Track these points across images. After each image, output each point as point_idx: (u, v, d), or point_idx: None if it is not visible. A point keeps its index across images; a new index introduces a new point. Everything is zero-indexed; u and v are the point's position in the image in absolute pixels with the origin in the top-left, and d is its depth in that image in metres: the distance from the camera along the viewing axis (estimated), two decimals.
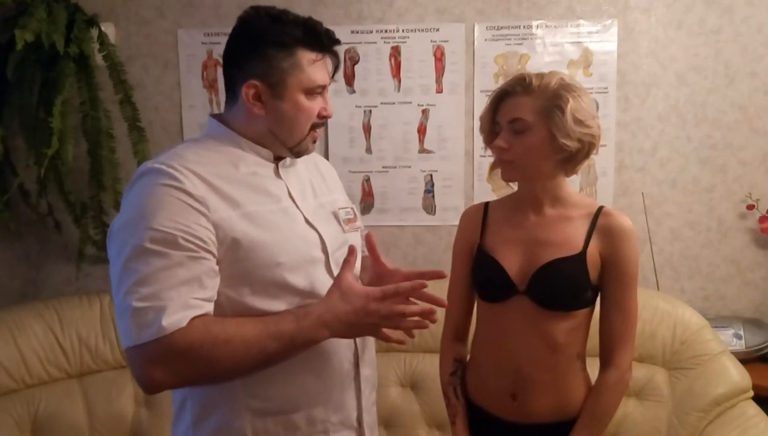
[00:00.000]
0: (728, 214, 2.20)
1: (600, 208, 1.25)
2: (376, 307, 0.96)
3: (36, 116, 2.00)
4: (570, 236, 1.23)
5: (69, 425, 1.94)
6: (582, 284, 1.21)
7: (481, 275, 1.30)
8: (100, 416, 1.97)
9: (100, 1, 2.16)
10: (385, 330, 1.01)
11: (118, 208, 2.16)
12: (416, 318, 0.99)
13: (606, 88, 2.17)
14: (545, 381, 1.24)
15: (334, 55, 1.09)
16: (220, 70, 2.22)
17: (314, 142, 1.11)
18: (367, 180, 2.26)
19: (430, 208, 2.27)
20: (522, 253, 1.25)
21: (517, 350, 1.24)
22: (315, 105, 1.06)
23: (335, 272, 1.06)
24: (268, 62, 1.02)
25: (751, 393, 1.80)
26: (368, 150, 2.25)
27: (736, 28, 2.13)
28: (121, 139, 2.11)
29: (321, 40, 1.04)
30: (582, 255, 1.21)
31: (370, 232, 1.15)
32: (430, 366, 2.01)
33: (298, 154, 1.11)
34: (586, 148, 1.19)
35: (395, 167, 2.26)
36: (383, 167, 2.26)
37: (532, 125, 1.18)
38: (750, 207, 2.16)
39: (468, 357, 1.40)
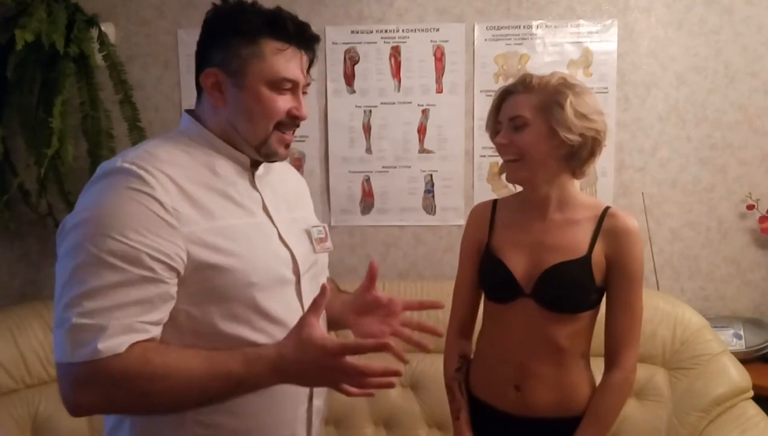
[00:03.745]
0: (728, 215, 2.20)
1: (606, 209, 1.25)
2: (331, 363, 0.85)
3: (36, 116, 2.00)
4: (575, 239, 1.23)
5: (69, 425, 1.93)
6: (587, 287, 1.22)
7: (488, 277, 1.31)
8: (100, 416, 1.96)
9: (100, 1, 2.16)
10: (345, 386, 0.88)
11: None
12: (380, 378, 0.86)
13: (606, 88, 2.17)
14: (549, 375, 1.25)
15: (307, 49, 1.00)
16: None
17: (286, 146, 1.02)
18: (367, 180, 2.26)
19: (430, 208, 2.27)
20: (528, 256, 1.25)
21: (522, 349, 1.25)
22: (282, 100, 0.97)
23: (304, 297, 1.02)
24: (227, 50, 0.95)
25: (751, 393, 1.80)
26: (368, 150, 2.25)
27: (736, 28, 2.13)
28: (121, 139, 2.11)
29: (287, 28, 0.96)
30: (587, 258, 1.21)
31: (373, 262, 1.07)
32: (430, 366, 2.01)
33: (266, 157, 1.01)
34: (590, 143, 1.19)
35: (395, 167, 2.26)
36: (383, 167, 2.26)
37: (530, 121, 1.19)
38: (750, 207, 2.16)
39: (473, 353, 1.40)
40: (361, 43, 2.21)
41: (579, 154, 1.20)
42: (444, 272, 2.27)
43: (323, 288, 0.90)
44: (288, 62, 0.97)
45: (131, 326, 0.83)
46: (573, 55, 2.17)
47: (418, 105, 2.23)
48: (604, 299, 1.27)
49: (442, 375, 1.99)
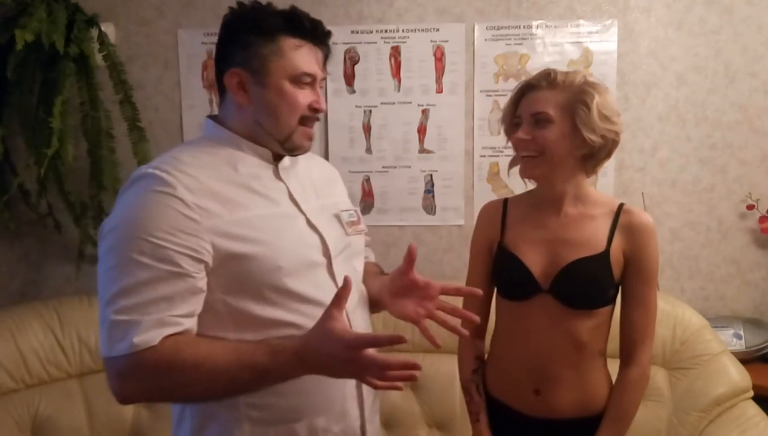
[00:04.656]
0: (728, 215, 2.20)
1: (621, 206, 1.26)
2: (351, 355, 0.88)
3: (36, 116, 2.00)
4: (592, 234, 1.23)
5: (69, 425, 1.94)
6: (606, 283, 1.22)
7: (504, 274, 1.30)
8: (100, 416, 1.97)
9: (100, 1, 2.16)
10: (371, 379, 0.90)
11: None
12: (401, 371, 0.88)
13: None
14: (569, 377, 1.25)
15: (322, 44, 1.07)
16: None
17: (309, 139, 1.07)
18: (367, 180, 2.26)
19: (430, 208, 2.27)
20: (545, 252, 1.25)
21: (541, 347, 1.25)
22: (302, 95, 1.03)
23: (338, 277, 1.05)
24: (249, 50, 1.01)
25: (751, 393, 1.80)
26: (368, 150, 2.25)
27: (736, 28, 2.13)
28: (121, 139, 2.11)
29: (303, 25, 1.03)
30: (606, 254, 1.22)
31: (412, 245, 1.09)
32: (430, 366, 2.01)
33: (290, 151, 1.07)
34: (609, 145, 1.20)
35: (395, 167, 2.26)
36: (383, 167, 2.26)
37: (554, 119, 1.18)
38: (750, 207, 2.16)
39: (487, 353, 1.40)
40: (361, 43, 2.21)
41: (597, 155, 1.21)
42: (444, 272, 2.27)
43: (345, 280, 0.92)
44: (306, 57, 1.03)
45: (163, 320, 0.89)
46: (573, 55, 2.17)
47: (418, 105, 2.22)
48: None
49: (442, 375, 2.00)
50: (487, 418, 1.34)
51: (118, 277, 0.90)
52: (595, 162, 1.22)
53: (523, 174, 1.26)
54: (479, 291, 1.10)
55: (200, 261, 0.92)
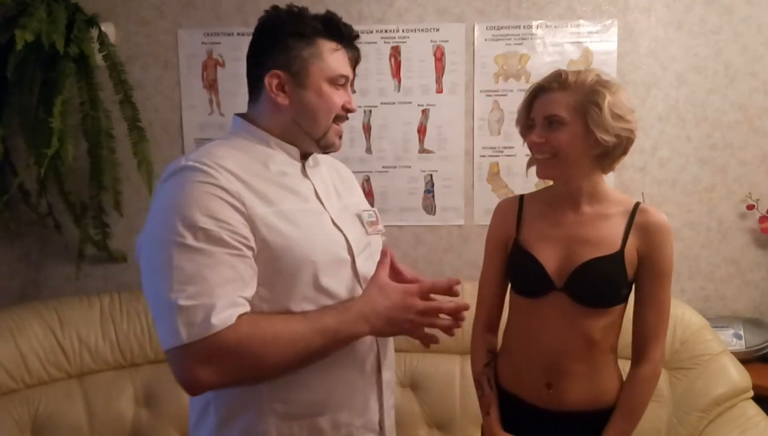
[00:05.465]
0: (728, 215, 2.20)
1: (637, 205, 1.26)
2: (412, 302, 1.00)
3: (36, 116, 2.00)
4: (608, 233, 1.24)
5: (69, 425, 1.94)
6: (620, 282, 1.23)
7: (519, 271, 1.31)
8: (100, 416, 1.97)
9: (100, 1, 2.16)
10: (419, 332, 1.02)
11: (118, 209, 2.18)
12: (450, 319, 1.04)
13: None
14: (580, 372, 1.26)
15: (354, 49, 1.12)
16: (220, 70, 2.23)
17: (339, 137, 1.11)
18: (367, 180, 2.26)
19: (430, 208, 2.27)
20: (560, 250, 1.26)
21: (553, 344, 1.26)
22: (338, 96, 1.07)
23: (360, 274, 1.08)
24: (289, 52, 1.04)
25: (751, 393, 1.80)
26: (368, 150, 2.25)
27: (736, 28, 2.13)
28: (121, 139, 2.11)
29: (340, 30, 1.07)
30: (620, 253, 1.22)
31: (387, 248, 1.12)
32: (430, 366, 2.01)
33: (324, 149, 1.10)
34: (624, 143, 1.20)
35: (395, 167, 2.26)
36: (383, 167, 2.26)
37: (567, 121, 1.18)
38: (750, 207, 2.16)
39: (499, 346, 1.41)
40: (361, 43, 2.18)
41: (613, 154, 1.21)
42: (444, 271, 2.27)
43: (384, 250, 1.04)
44: (342, 60, 1.08)
45: (234, 301, 0.91)
46: (573, 55, 2.17)
47: (418, 105, 2.23)
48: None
49: (442, 375, 2.00)
50: (498, 412, 1.34)
51: (179, 266, 0.89)
52: (611, 160, 1.23)
53: (540, 175, 1.27)
54: (456, 280, 1.06)
55: (249, 247, 0.95)
